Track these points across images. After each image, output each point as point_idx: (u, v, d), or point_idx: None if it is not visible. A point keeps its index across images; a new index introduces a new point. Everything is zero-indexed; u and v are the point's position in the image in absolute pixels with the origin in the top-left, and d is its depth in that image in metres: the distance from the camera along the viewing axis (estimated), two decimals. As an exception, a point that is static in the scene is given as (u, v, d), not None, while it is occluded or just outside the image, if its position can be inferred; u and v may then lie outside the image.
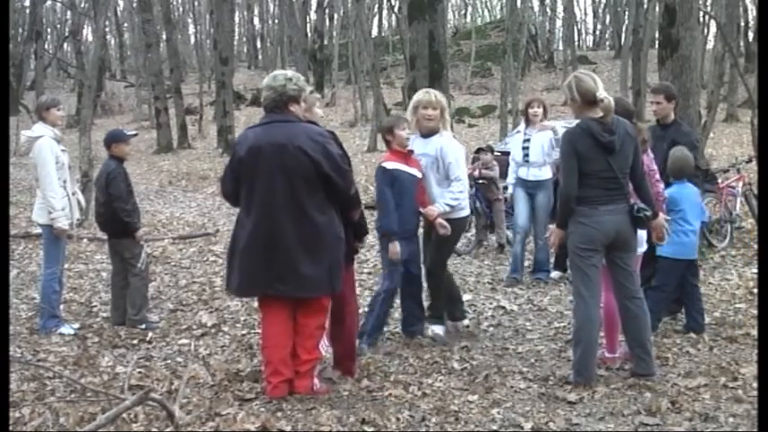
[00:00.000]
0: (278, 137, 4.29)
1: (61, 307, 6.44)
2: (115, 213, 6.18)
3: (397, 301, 5.83)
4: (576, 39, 38.59)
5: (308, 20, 39.39)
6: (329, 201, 4.41)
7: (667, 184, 5.54)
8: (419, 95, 5.63)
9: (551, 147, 7.44)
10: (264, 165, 4.29)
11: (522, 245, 7.65)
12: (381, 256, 5.65)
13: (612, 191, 4.55)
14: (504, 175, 8.65)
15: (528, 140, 7.62)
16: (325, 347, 4.56)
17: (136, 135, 6.93)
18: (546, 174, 7.57)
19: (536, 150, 7.53)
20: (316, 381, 4.51)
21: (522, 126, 8.06)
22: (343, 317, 4.78)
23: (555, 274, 7.65)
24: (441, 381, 4.71)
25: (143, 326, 6.15)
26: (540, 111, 7.67)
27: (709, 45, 28.25)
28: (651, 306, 5.05)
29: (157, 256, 9.00)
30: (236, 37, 43.74)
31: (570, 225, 4.61)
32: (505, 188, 8.43)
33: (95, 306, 6.98)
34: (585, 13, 54.20)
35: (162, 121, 22.84)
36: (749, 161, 9.58)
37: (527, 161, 7.59)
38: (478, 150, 10.02)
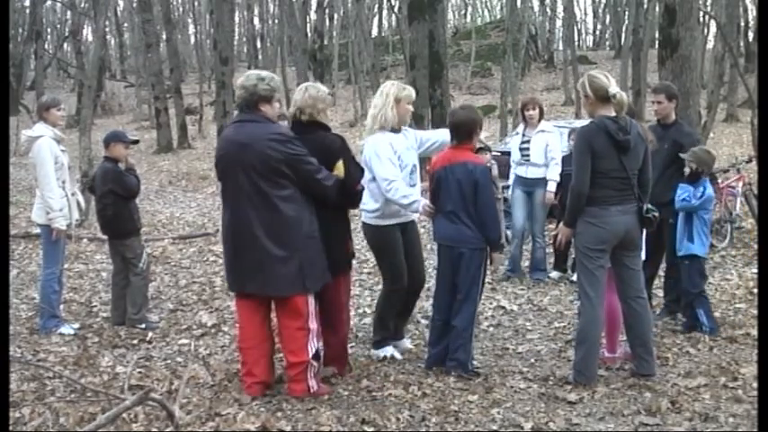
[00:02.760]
0: (241, 137, 4.37)
1: (61, 307, 6.44)
2: (118, 214, 6.20)
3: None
4: (576, 39, 38.54)
5: (308, 20, 39.31)
6: (304, 198, 4.39)
7: (690, 182, 5.60)
8: (403, 90, 5.21)
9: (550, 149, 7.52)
10: (230, 163, 4.39)
11: (519, 247, 7.73)
12: (468, 272, 4.82)
13: (623, 191, 4.56)
14: (504, 175, 8.67)
15: (527, 142, 7.66)
16: (313, 348, 4.47)
17: (137, 142, 6.91)
18: (544, 172, 7.59)
19: (536, 152, 7.57)
20: (313, 383, 4.47)
21: (520, 127, 8.08)
22: (335, 323, 4.74)
23: (554, 274, 7.65)
24: (441, 381, 4.71)
25: (143, 325, 6.16)
26: (536, 112, 7.68)
27: (710, 45, 28.24)
28: (706, 313, 5.44)
29: (157, 256, 9.00)
30: (236, 37, 43.72)
31: (579, 225, 4.62)
32: (506, 188, 8.45)
33: (95, 306, 6.98)
34: (585, 13, 54.23)
35: (162, 121, 22.82)
36: (749, 161, 9.58)
37: (527, 161, 7.64)
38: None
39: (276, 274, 4.33)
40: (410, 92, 5.26)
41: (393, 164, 5.02)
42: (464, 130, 4.88)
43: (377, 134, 5.13)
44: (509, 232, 9.12)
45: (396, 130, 5.18)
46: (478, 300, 4.96)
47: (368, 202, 5.10)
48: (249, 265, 4.38)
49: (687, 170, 5.64)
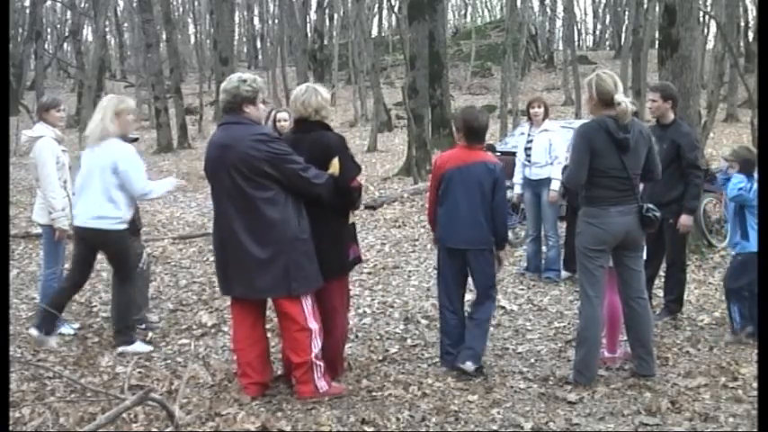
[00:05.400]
0: (225, 139, 4.39)
1: (61, 307, 6.43)
2: None
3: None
4: (576, 39, 38.59)
5: (308, 20, 39.39)
6: (290, 200, 4.35)
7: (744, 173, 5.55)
8: (122, 103, 5.71)
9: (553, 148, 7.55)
10: (215, 166, 4.41)
11: (532, 246, 7.80)
12: (485, 272, 4.90)
13: (623, 191, 4.55)
14: (506, 175, 8.71)
15: (531, 141, 7.72)
16: (316, 347, 4.42)
17: (137, 140, 6.88)
18: (548, 171, 7.61)
19: (538, 151, 7.61)
20: (322, 383, 4.44)
21: (525, 127, 8.14)
22: (331, 328, 4.67)
23: (564, 274, 7.63)
24: (441, 381, 4.72)
25: (143, 326, 6.15)
26: (541, 111, 7.72)
27: (710, 45, 28.24)
28: (740, 310, 5.34)
29: (157, 256, 9.00)
30: (236, 37, 43.70)
31: (579, 225, 4.64)
32: (509, 188, 8.50)
33: (95, 306, 6.97)
34: (585, 13, 54.35)
35: (162, 121, 22.82)
36: (749, 161, 9.56)
37: (529, 161, 7.68)
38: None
39: (260, 277, 4.32)
40: (129, 104, 5.72)
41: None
42: (483, 134, 4.94)
43: (117, 142, 5.48)
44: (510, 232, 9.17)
45: (128, 140, 5.62)
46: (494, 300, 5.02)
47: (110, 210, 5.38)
48: (235, 268, 4.40)
49: (731, 170, 5.56)
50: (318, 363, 4.45)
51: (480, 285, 4.90)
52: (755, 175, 5.49)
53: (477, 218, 4.77)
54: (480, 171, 4.77)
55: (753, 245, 5.44)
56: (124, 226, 5.50)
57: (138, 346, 5.53)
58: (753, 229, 5.45)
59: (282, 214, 4.32)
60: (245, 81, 4.45)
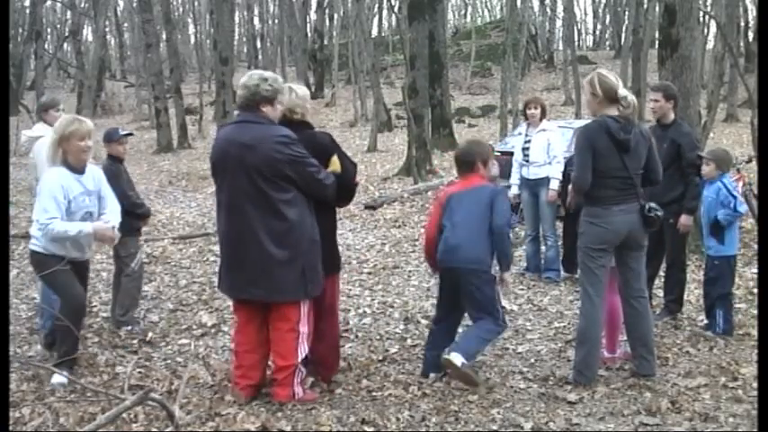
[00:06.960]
0: (245, 137, 4.26)
1: (61, 307, 6.43)
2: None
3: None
4: (576, 39, 38.57)
5: (308, 20, 39.43)
6: (306, 201, 4.33)
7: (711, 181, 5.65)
8: (71, 125, 4.96)
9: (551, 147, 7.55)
10: (231, 164, 4.28)
11: (531, 246, 7.81)
12: (490, 295, 4.73)
13: (625, 191, 4.56)
14: (505, 175, 8.70)
15: (529, 141, 7.72)
16: (303, 352, 4.39)
17: (130, 135, 6.84)
18: (546, 171, 7.62)
19: (536, 150, 7.62)
20: (299, 389, 4.39)
21: (523, 127, 8.14)
22: (327, 327, 4.65)
23: (564, 274, 7.62)
24: (441, 381, 4.71)
25: (129, 327, 6.09)
26: (538, 111, 7.73)
27: (710, 45, 28.24)
28: (725, 316, 5.41)
29: (157, 256, 9.00)
30: (236, 37, 43.74)
31: (582, 225, 4.64)
32: (507, 188, 8.50)
33: (95, 306, 6.97)
34: (585, 13, 54.41)
35: (162, 121, 22.81)
36: (749, 161, 9.56)
37: (527, 161, 7.68)
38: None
39: (280, 280, 4.26)
40: (80, 127, 4.97)
41: (55, 202, 4.71)
42: (471, 163, 4.88)
43: (50, 171, 4.87)
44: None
45: (75, 170, 4.93)
46: (503, 324, 4.83)
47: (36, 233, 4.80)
48: (252, 271, 4.29)
49: (705, 168, 5.65)
50: (302, 369, 4.41)
51: (479, 311, 4.68)
52: (727, 178, 5.65)
53: (471, 237, 4.65)
54: (477, 193, 4.76)
55: (727, 248, 5.59)
56: (41, 249, 4.89)
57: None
58: (728, 232, 5.56)
59: (300, 216, 4.29)
60: (266, 80, 4.37)
